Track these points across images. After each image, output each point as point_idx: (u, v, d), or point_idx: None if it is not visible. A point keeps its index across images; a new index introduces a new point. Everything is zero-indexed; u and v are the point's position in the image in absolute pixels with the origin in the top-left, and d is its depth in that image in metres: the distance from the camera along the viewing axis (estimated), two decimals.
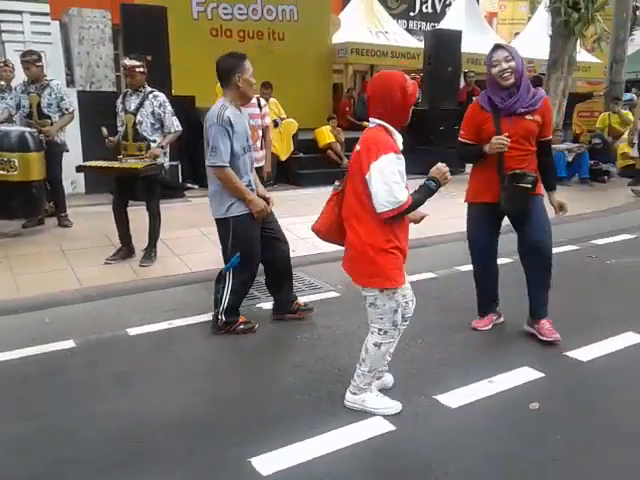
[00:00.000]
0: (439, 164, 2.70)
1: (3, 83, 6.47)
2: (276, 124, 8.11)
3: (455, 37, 10.46)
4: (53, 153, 5.93)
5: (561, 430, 2.69)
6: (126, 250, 5.12)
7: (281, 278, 3.97)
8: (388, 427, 2.70)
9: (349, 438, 2.61)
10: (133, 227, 5.14)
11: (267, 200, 3.75)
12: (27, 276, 4.64)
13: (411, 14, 17.99)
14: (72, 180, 7.57)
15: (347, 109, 12.69)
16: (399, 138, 2.67)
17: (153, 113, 4.91)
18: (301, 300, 4.09)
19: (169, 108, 4.98)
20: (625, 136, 9.98)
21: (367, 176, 2.54)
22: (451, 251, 5.68)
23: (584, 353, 3.45)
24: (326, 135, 9.38)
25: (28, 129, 5.69)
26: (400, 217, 2.62)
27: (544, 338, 3.60)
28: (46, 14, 7.94)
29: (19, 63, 6.29)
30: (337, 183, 2.80)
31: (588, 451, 2.54)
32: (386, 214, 2.54)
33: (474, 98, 10.75)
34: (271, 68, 9.74)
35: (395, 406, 2.85)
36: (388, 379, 3.09)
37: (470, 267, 5.04)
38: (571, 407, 2.91)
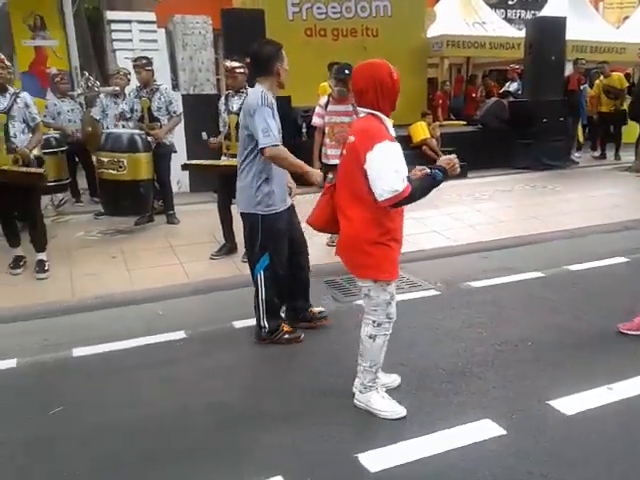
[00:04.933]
0: (450, 155, 2.64)
1: (117, 89, 6.91)
2: None
3: (559, 24, 9.94)
4: (162, 154, 6.24)
5: None
6: (229, 246, 5.30)
7: (297, 283, 3.80)
8: (498, 431, 2.60)
9: (458, 440, 2.54)
10: (235, 224, 5.30)
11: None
12: (140, 270, 4.93)
13: (509, 3, 17.23)
14: (178, 180, 7.94)
15: (440, 102, 12.42)
16: (390, 125, 2.63)
17: None
18: (317, 308, 3.89)
19: None
20: None
21: (365, 166, 2.52)
22: (559, 249, 5.40)
23: None
24: (421, 131, 9.22)
25: (137, 131, 6.03)
26: (407, 204, 2.59)
27: None
28: (153, 22, 8.39)
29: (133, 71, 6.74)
30: (331, 176, 2.77)
31: None
32: (384, 202, 2.51)
33: (581, 87, 10.30)
34: None
35: (401, 411, 2.74)
36: (389, 379, 3.01)
37: (580, 267, 4.83)
38: None
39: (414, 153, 9.01)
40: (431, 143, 9.16)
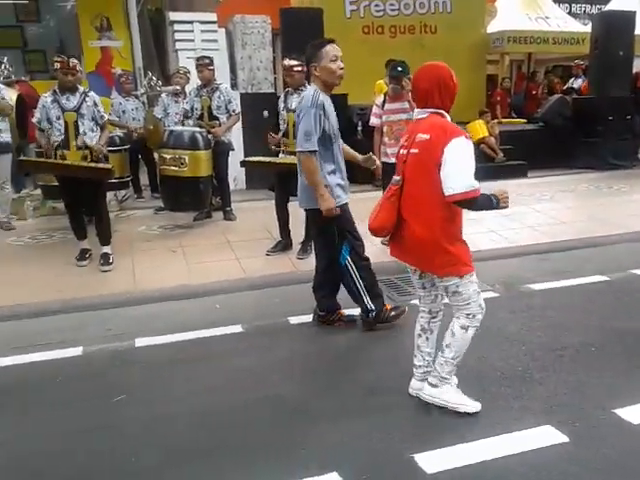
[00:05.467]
0: (503, 189, 2.66)
1: (178, 88, 7.10)
2: None
3: (627, 18, 9.54)
4: (220, 152, 6.36)
5: None
6: (285, 243, 5.35)
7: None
8: (560, 438, 2.52)
9: (517, 445, 2.48)
10: (291, 222, 5.35)
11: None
12: (199, 265, 5.05)
13: None
14: (234, 177, 8.08)
15: (499, 99, 12.14)
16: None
17: None
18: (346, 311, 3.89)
19: None
20: None
21: (442, 158, 2.50)
22: (624, 252, 5.19)
23: None
24: (479, 129, 9.00)
25: (198, 129, 6.17)
26: (470, 207, 2.59)
27: None
28: (214, 22, 8.57)
29: (192, 70, 6.92)
30: (397, 178, 2.73)
31: None
32: (454, 197, 2.50)
33: None
34: (422, 62, 9.63)
35: (477, 405, 2.74)
36: None
37: None
38: None
39: None
40: (489, 141, 8.96)
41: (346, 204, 3.59)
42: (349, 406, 2.87)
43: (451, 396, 2.76)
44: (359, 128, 8.62)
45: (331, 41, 3.48)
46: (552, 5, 13.43)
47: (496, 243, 5.52)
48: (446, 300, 2.84)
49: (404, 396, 2.91)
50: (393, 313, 3.71)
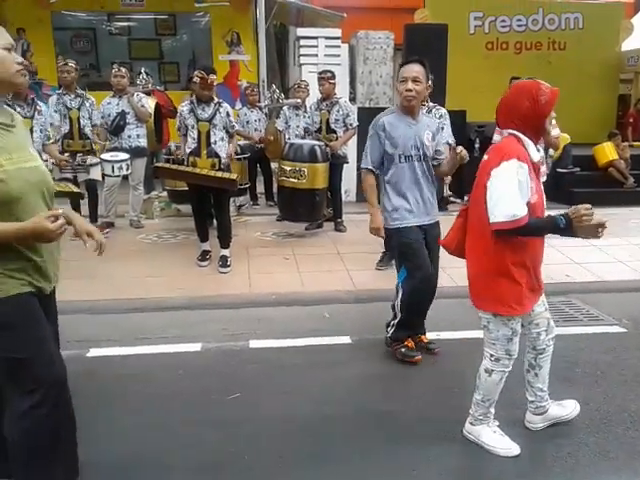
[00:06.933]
0: (582, 205, 2.31)
1: (299, 101, 7.32)
2: None
3: None
4: (336, 164, 6.48)
5: None
6: (390, 255, 5.32)
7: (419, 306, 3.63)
8: None
9: None
10: None
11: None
12: (310, 273, 5.16)
13: None
14: (346, 189, 8.18)
15: (631, 121, 11.33)
16: (533, 150, 2.39)
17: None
18: (430, 336, 3.79)
19: (448, 121, 5.08)
20: None
21: (488, 183, 2.34)
22: None
23: None
24: (607, 152, 8.51)
25: (317, 142, 6.33)
26: (518, 235, 2.34)
27: None
28: (338, 38, 8.77)
29: (311, 83, 7.12)
30: (465, 198, 2.57)
31: None
32: (497, 226, 2.31)
33: None
34: (548, 80, 9.22)
35: (514, 448, 2.56)
36: (562, 412, 2.77)
37: None
38: None
39: (599, 175, 8.37)
40: (619, 165, 8.40)
41: (412, 229, 3.42)
42: (457, 431, 2.78)
43: (486, 437, 2.63)
44: (476, 145, 8.42)
45: (414, 61, 3.36)
46: None
47: (624, 274, 5.13)
48: (552, 335, 2.70)
49: (517, 427, 2.78)
50: (403, 350, 3.55)
